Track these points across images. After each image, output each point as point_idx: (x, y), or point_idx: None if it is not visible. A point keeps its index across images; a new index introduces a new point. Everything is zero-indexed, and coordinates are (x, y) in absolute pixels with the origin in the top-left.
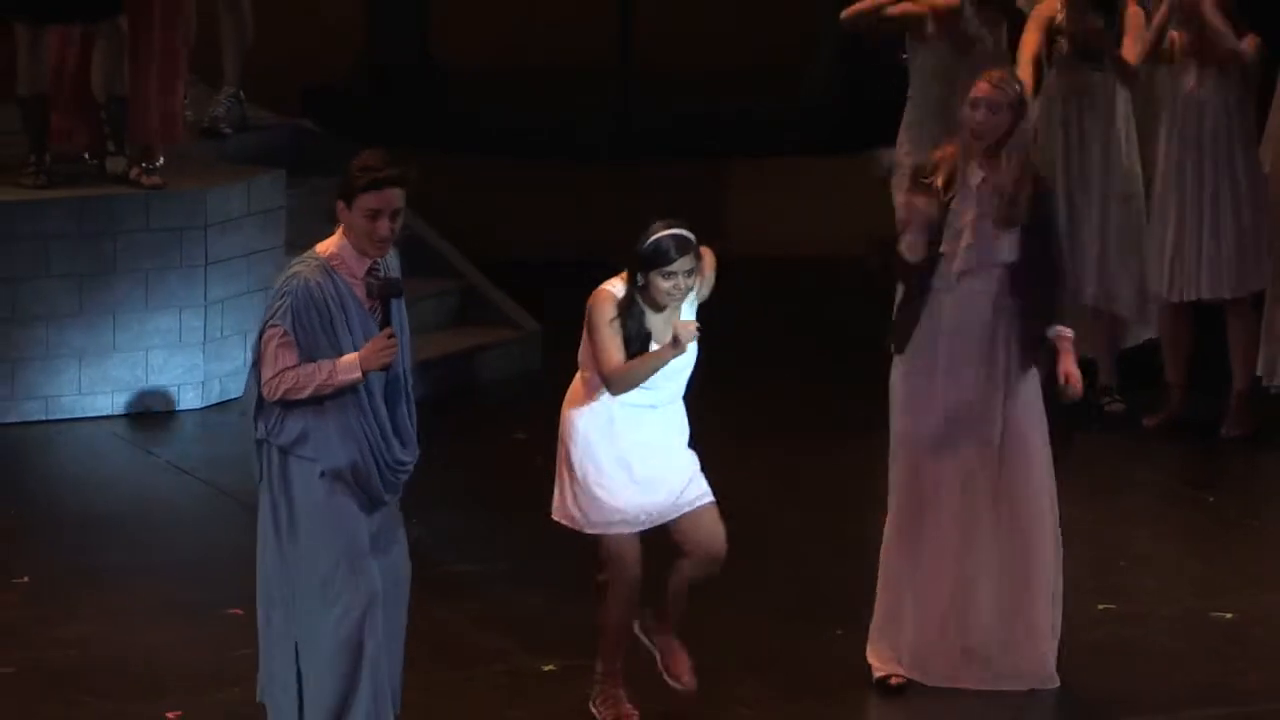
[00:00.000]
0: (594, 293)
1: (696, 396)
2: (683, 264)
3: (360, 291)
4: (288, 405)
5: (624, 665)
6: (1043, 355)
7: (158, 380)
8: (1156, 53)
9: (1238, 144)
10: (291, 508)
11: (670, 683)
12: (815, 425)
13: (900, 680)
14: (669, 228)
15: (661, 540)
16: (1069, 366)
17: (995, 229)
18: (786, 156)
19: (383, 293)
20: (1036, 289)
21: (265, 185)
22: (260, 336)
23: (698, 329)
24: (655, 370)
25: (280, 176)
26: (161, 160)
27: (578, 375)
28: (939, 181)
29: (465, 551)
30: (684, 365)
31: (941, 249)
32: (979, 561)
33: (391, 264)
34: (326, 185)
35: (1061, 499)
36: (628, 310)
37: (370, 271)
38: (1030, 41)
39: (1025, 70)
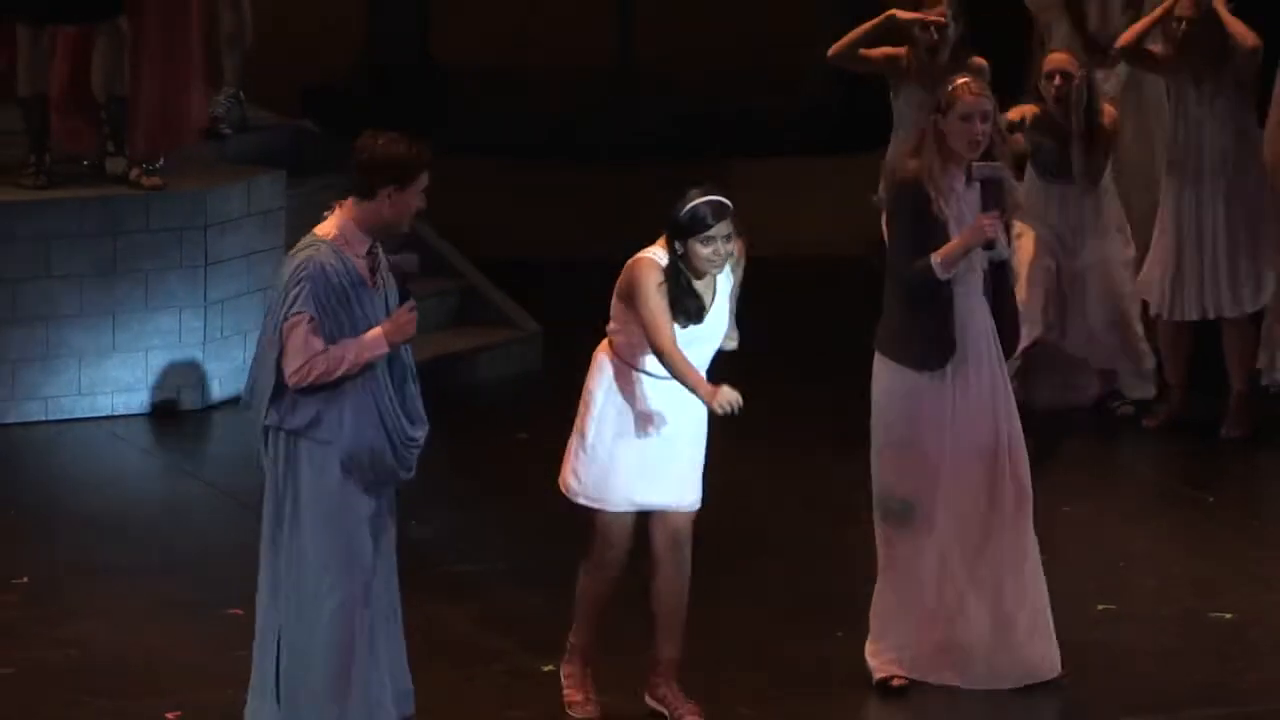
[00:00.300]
0: (635, 260)
1: None
2: (720, 229)
3: (364, 270)
4: (301, 390)
5: (597, 644)
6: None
7: (157, 381)
8: (1142, 57)
9: (1237, 163)
10: (297, 495)
11: None
12: (815, 425)
13: (902, 682)
14: (705, 194)
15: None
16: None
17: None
18: (786, 156)
19: (406, 269)
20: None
21: (265, 186)
22: (280, 326)
23: (736, 403)
24: (685, 379)
25: (280, 177)
26: (161, 161)
27: (601, 345)
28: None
29: (465, 551)
30: (711, 341)
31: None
32: (985, 561)
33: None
34: (326, 185)
35: (1062, 499)
36: (674, 278)
37: (370, 252)
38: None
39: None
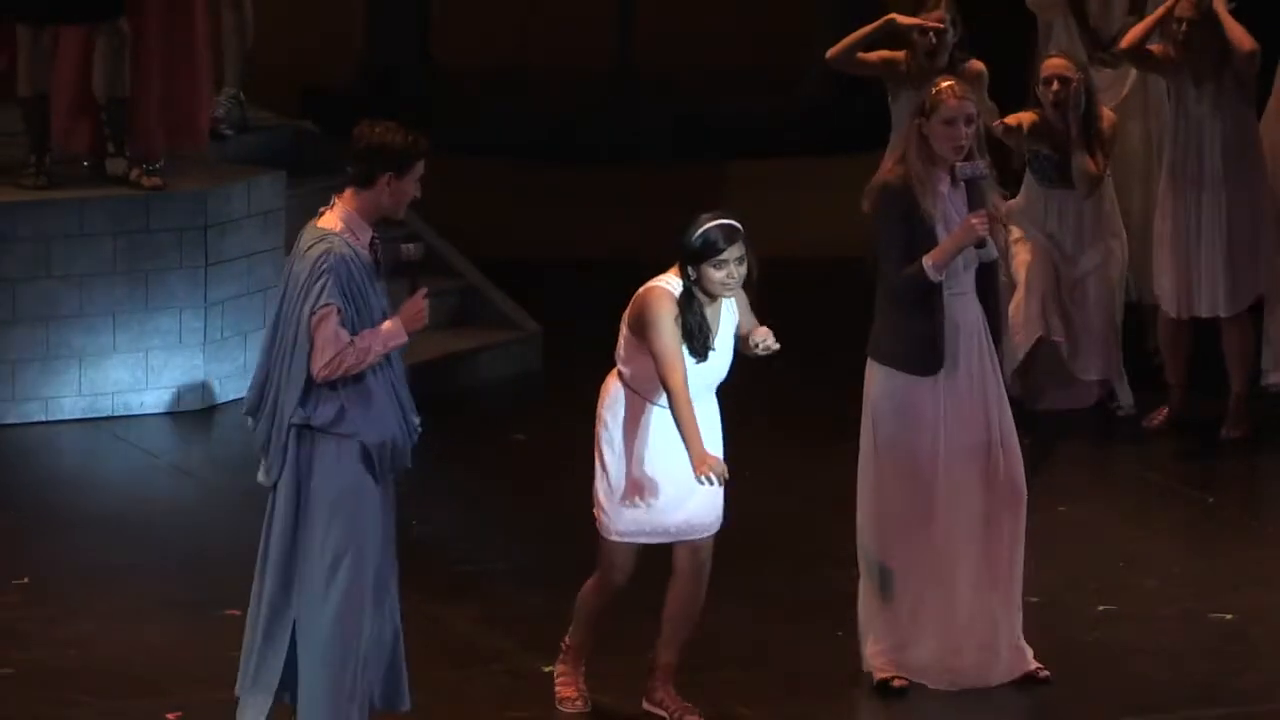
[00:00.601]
0: (646, 290)
1: None
2: (733, 252)
3: (370, 260)
4: (325, 384)
5: (592, 645)
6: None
7: (157, 381)
8: (1143, 58)
9: (1237, 162)
10: (311, 490)
11: None
12: (815, 426)
13: (903, 683)
14: (715, 219)
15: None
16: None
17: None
18: (786, 156)
19: (413, 257)
20: (996, 273)
21: (266, 186)
22: (307, 320)
23: (722, 476)
24: (685, 427)
25: (280, 178)
26: (162, 162)
27: (613, 373)
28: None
29: (465, 551)
30: (716, 375)
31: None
32: (981, 560)
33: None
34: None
35: (1061, 499)
36: (688, 306)
37: (371, 242)
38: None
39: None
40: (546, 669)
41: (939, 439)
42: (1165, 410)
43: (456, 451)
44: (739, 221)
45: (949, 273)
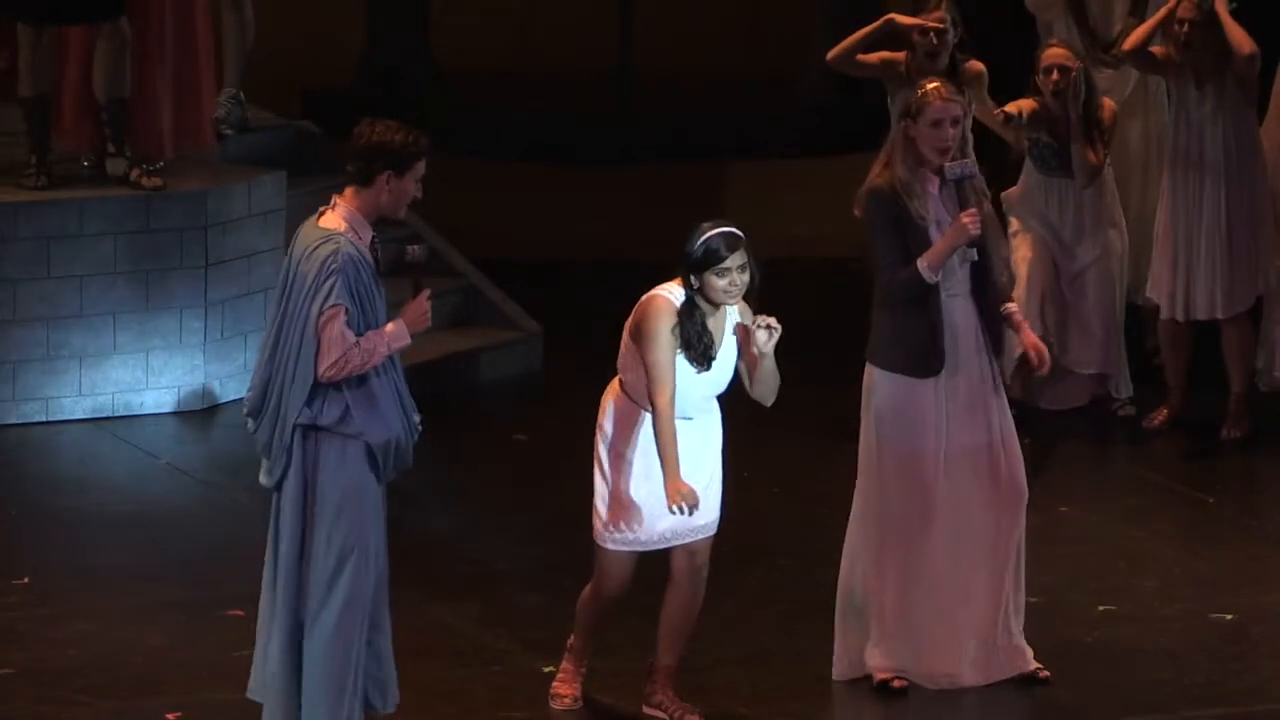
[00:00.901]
0: (648, 299)
1: None
2: (735, 259)
3: (370, 259)
4: (331, 384)
5: (593, 647)
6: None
7: (158, 381)
8: (1144, 59)
9: (1238, 163)
10: (318, 489)
11: None
12: (815, 426)
13: (903, 683)
14: (717, 227)
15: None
16: (1032, 338)
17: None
18: (786, 157)
19: (416, 260)
20: (991, 276)
21: (266, 186)
22: (316, 320)
23: (690, 505)
24: (665, 449)
25: (281, 178)
26: (162, 162)
27: (614, 381)
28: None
29: (465, 551)
30: (717, 385)
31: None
32: (984, 560)
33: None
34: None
35: (1062, 499)
36: (689, 315)
37: (373, 242)
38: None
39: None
40: (546, 669)
41: (941, 441)
42: (1165, 410)
43: (456, 452)
44: (740, 229)
45: (944, 273)
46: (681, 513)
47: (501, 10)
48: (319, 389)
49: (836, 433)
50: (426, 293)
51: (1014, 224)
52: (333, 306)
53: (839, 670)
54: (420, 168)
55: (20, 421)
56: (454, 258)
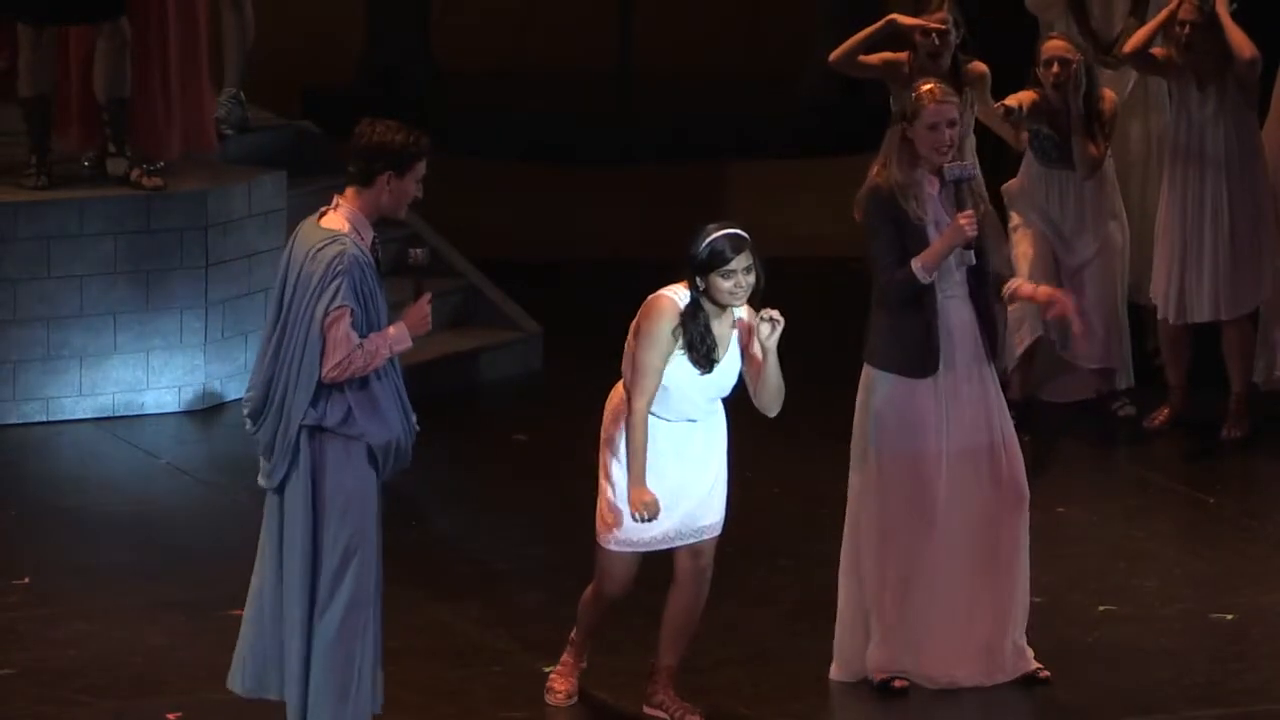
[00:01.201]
0: (653, 300)
1: None
2: (740, 261)
3: (374, 260)
4: (334, 385)
5: (593, 646)
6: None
7: (158, 381)
8: (1145, 60)
9: (1239, 164)
10: (321, 490)
11: None
12: (816, 426)
13: (904, 684)
14: (722, 229)
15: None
16: (1045, 289)
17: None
18: (786, 157)
19: (417, 263)
20: (989, 278)
21: (266, 186)
22: (321, 321)
23: (650, 515)
24: (634, 457)
25: (281, 178)
26: (162, 162)
27: (619, 384)
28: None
29: (465, 551)
30: (720, 389)
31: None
32: (986, 561)
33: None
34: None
35: (1062, 499)
36: (693, 317)
37: (374, 243)
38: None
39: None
40: (546, 669)
41: (942, 442)
42: (1166, 410)
43: (456, 452)
44: (744, 230)
45: (940, 274)
46: (641, 520)
47: (501, 10)
48: (323, 390)
49: (837, 433)
50: (427, 296)
51: (1014, 219)
52: (339, 308)
53: (839, 671)
54: (421, 168)
55: (20, 421)
56: (454, 258)
